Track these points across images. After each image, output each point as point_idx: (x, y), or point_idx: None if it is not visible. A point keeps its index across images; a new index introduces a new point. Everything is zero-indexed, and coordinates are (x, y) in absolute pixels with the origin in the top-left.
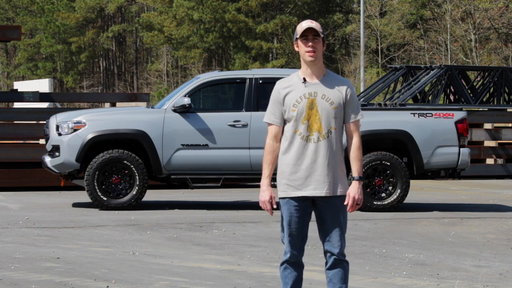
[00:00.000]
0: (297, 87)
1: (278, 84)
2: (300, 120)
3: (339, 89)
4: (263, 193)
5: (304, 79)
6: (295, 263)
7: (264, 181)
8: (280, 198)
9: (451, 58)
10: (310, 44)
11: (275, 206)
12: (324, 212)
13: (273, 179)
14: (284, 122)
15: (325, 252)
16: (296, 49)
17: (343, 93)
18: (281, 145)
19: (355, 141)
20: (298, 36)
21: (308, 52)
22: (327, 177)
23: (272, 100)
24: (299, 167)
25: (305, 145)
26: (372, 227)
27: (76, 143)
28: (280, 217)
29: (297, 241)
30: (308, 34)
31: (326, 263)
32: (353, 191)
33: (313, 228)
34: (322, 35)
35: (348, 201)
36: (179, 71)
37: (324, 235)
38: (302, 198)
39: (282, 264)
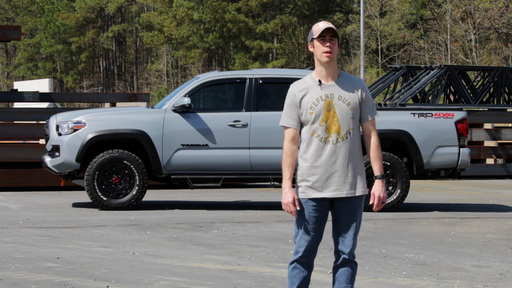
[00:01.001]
0: (313, 89)
1: (293, 87)
2: (317, 122)
3: (355, 90)
4: (286, 195)
5: (320, 81)
6: (305, 262)
7: (286, 183)
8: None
9: (451, 58)
10: (327, 44)
11: (298, 208)
12: (341, 212)
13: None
14: (301, 125)
15: (336, 251)
16: (311, 49)
17: (359, 93)
18: (300, 147)
19: (374, 140)
20: (315, 37)
21: (325, 52)
22: (347, 178)
23: (288, 103)
24: (318, 169)
25: (324, 147)
26: (372, 227)
27: (76, 143)
28: (294, 217)
29: (312, 241)
30: (326, 34)
31: (335, 261)
32: (378, 190)
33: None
34: (338, 37)
35: (373, 200)
36: (179, 71)
37: (337, 234)
38: (321, 199)
39: (291, 263)
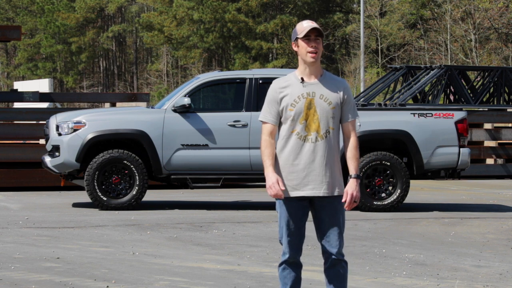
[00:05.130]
0: (295, 87)
1: (275, 83)
2: (297, 120)
3: (337, 89)
4: (270, 178)
5: (302, 79)
6: (293, 263)
7: (268, 168)
8: (277, 199)
9: (451, 58)
10: (312, 44)
11: (283, 188)
12: (322, 212)
13: None
14: (280, 122)
15: (324, 252)
16: (295, 48)
17: (341, 93)
18: (277, 144)
19: (352, 141)
20: (300, 36)
21: (310, 52)
22: (325, 177)
23: (269, 99)
24: (296, 167)
25: (302, 145)
26: (372, 227)
27: (76, 143)
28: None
29: (295, 241)
30: (311, 34)
31: (325, 263)
32: (351, 188)
33: (311, 227)
34: (323, 36)
35: (345, 198)
36: (179, 71)
37: (322, 235)
38: (300, 198)
39: (280, 264)
